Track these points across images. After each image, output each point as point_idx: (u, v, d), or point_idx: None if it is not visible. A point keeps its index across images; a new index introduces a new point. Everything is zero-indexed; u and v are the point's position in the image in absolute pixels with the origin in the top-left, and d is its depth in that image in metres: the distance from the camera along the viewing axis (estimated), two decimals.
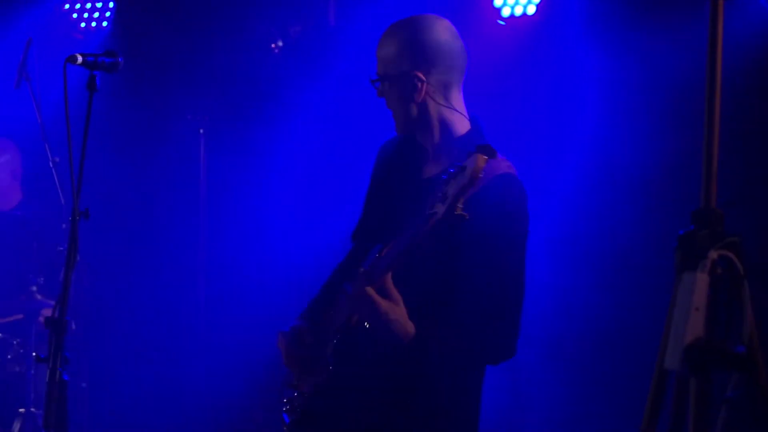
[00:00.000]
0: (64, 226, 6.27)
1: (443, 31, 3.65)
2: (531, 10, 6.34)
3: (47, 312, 6.08)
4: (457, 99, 3.68)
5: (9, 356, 6.30)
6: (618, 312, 5.93)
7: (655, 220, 5.74)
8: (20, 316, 6.26)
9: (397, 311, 3.32)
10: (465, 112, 3.69)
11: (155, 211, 7.61)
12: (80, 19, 7.78)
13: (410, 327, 3.34)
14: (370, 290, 3.29)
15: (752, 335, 2.17)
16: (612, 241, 6.01)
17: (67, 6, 7.77)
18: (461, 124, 3.65)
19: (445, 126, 3.63)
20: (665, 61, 5.77)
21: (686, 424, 2.19)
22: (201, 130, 7.02)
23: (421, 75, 3.59)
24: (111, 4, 7.76)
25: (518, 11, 6.37)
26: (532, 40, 6.39)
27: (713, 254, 2.13)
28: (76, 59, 3.58)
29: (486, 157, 3.07)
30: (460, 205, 3.09)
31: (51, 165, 5.81)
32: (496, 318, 3.39)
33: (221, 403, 6.98)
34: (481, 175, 3.06)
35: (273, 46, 7.18)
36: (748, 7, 5.47)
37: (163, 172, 7.68)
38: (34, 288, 6.20)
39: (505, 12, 6.40)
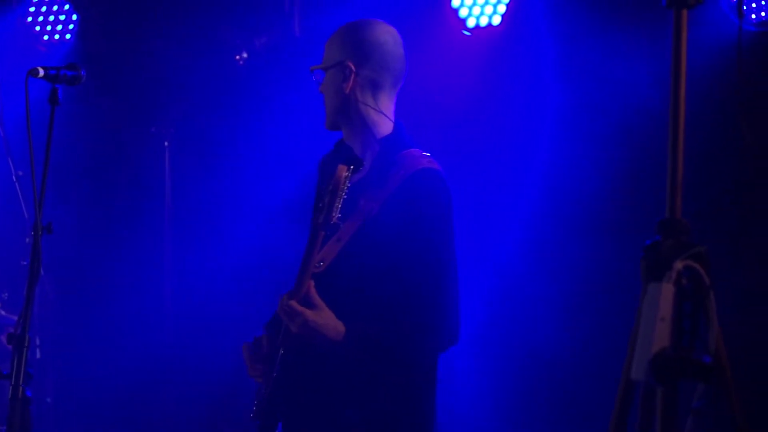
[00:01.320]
0: (27, 240, 6.21)
1: (385, 34, 3.80)
2: (496, 20, 6.34)
3: (11, 328, 6.02)
4: (386, 103, 3.79)
5: None
6: (584, 326, 5.95)
7: (622, 232, 5.75)
8: None
9: (323, 316, 3.48)
10: (391, 117, 3.79)
11: (120, 224, 7.55)
12: (43, 31, 7.72)
13: (340, 326, 3.49)
14: (293, 303, 3.47)
15: (718, 345, 2.17)
16: (576, 254, 6.02)
17: (29, 18, 7.72)
18: (384, 127, 3.75)
19: (366, 125, 3.73)
20: (630, 71, 5.80)
21: None
22: (166, 143, 6.98)
23: (351, 65, 3.73)
24: (74, 17, 7.71)
25: (483, 22, 6.37)
26: (497, 51, 6.40)
27: (678, 264, 2.13)
28: (38, 72, 3.55)
29: (346, 166, 3.33)
30: (335, 215, 3.34)
31: (14, 179, 5.76)
32: (427, 311, 3.50)
33: (189, 415, 6.94)
34: (343, 185, 3.31)
35: (237, 57, 7.15)
36: (711, 16, 5.51)
37: (128, 185, 7.63)
38: None
39: (471, 22, 6.40)
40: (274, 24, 7.08)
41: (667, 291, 2.12)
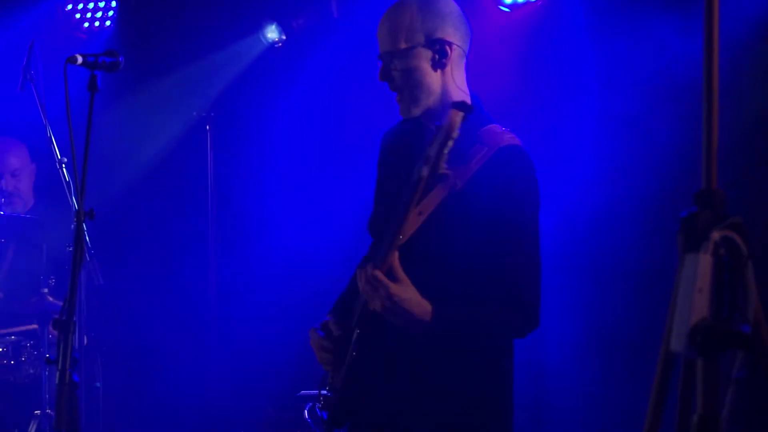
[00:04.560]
0: (72, 226, 6.26)
1: (453, 3, 3.59)
2: None
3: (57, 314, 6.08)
4: (463, 75, 3.62)
5: (23, 358, 6.32)
6: (625, 301, 5.94)
7: (660, 208, 5.73)
8: (34, 326, 6.27)
9: (408, 291, 3.26)
10: (467, 90, 3.62)
11: (164, 209, 7.62)
12: (83, 19, 7.78)
13: (425, 305, 3.28)
14: (377, 273, 3.23)
15: (758, 315, 2.16)
16: (615, 228, 6.01)
17: (69, 6, 7.77)
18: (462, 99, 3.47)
19: (449, 102, 3.39)
20: (670, 45, 5.76)
21: (694, 405, 2.18)
22: (207, 127, 7.01)
23: (449, 39, 3.51)
24: (113, 3, 7.76)
25: None
26: (535, 26, 6.38)
27: (715, 235, 2.12)
28: (77, 60, 3.57)
29: (460, 112, 3.06)
30: (443, 164, 3.09)
31: (58, 166, 5.81)
32: (515, 291, 3.35)
33: (235, 402, 6.98)
34: (457, 131, 3.04)
35: (276, 39, 7.17)
36: None
37: (170, 169, 7.68)
38: (46, 290, 6.22)
39: None
40: (312, 5, 7.08)
41: (704, 262, 2.11)
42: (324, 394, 3.64)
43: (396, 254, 3.24)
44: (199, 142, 7.06)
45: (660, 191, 5.73)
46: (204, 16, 7.49)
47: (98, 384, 6.61)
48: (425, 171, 3.10)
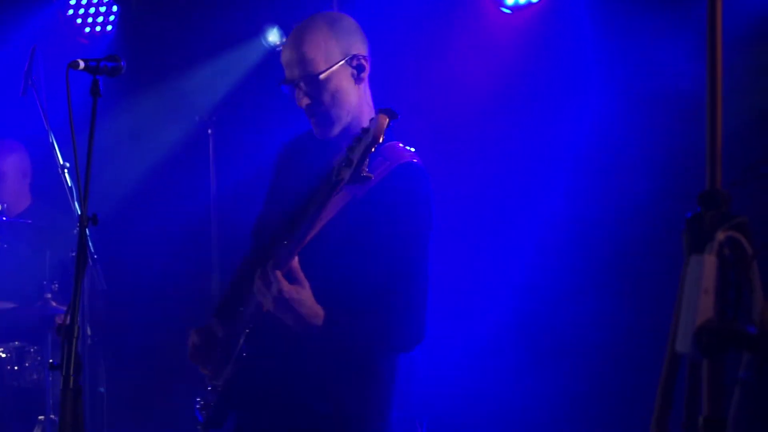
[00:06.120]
0: (75, 231, 6.26)
1: (352, 19, 3.65)
2: None
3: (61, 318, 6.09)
4: (368, 89, 3.67)
5: (27, 364, 6.33)
6: (628, 301, 5.93)
7: (662, 208, 5.72)
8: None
9: (303, 293, 3.30)
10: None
11: (166, 214, 7.61)
12: (84, 24, 7.79)
13: (318, 309, 3.33)
14: (277, 273, 3.27)
15: (764, 315, 2.15)
16: (619, 230, 6.00)
17: (71, 12, 7.77)
18: (371, 115, 3.55)
19: (358, 117, 3.59)
20: (672, 46, 5.75)
21: (700, 406, 2.18)
22: (209, 131, 7.00)
23: (363, 53, 3.58)
24: (115, 8, 7.76)
25: None
26: (537, 28, 6.37)
27: (720, 235, 2.12)
28: (78, 64, 3.56)
29: (387, 117, 3.10)
30: (365, 167, 3.13)
31: (60, 171, 5.81)
32: (400, 306, 3.40)
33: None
34: (381, 136, 3.08)
35: (278, 43, 7.16)
36: None
37: (173, 174, 7.68)
38: (49, 295, 6.22)
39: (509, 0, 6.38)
40: (313, 6, 7.07)
41: (709, 262, 2.10)
42: (203, 395, 3.70)
43: (296, 260, 3.30)
44: (202, 147, 7.06)
45: (664, 192, 5.73)
46: (205, 20, 7.49)
47: (102, 389, 6.62)
48: (346, 173, 3.14)
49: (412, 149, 3.53)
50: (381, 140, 3.10)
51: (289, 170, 3.85)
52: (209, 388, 3.67)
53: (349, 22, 3.62)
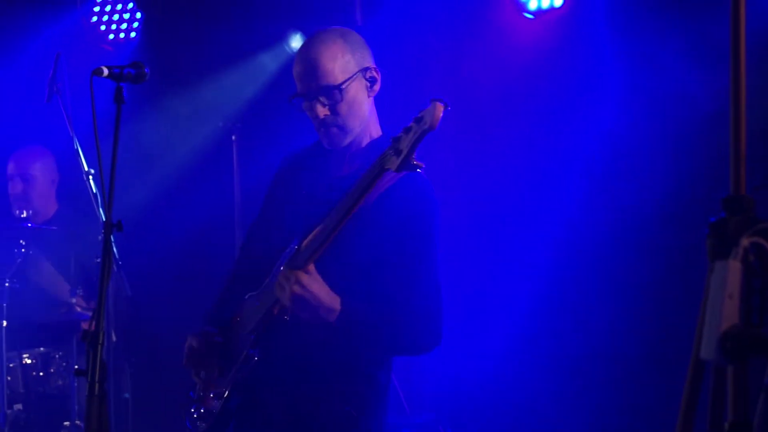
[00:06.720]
0: (100, 237, 6.28)
1: (357, 33, 3.69)
2: (558, 2, 6.32)
3: (86, 324, 6.11)
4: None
5: (52, 370, 6.34)
6: (654, 306, 5.91)
7: (683, 213, 5.71)
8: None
9: (319, 282, 3.33)
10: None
11: (191, 219, 7.63)
12: (108, 31, 7.82)
13: (335, 296, 3.36)
14: (298, 272, 3.31)
15: None
16: (640, 236, 5.98)
17: (94, 18, 7.80)
18: (376, 129, 3.69)
19: (368, 129, 3.66)
20: (694, 53, 5.73)
21: (725, 413, 2.17)
22: (233, 137, 7.02)
23: (374, 65, 3.62)
24: (138, 15, 7.79)
25: (545, 3, 6.35)
26: (559, 33, 6.37)
27: (745, 241, 2.11)
28: (102, 72, 3.57)
29: (443, 105, 3.07)
30: (413, 156, 3.11)
31: (85, 178, 5.83)
32: (405, 307, 3.43)
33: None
34: (436, 125, 3.05)
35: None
36: None
37: (197, 180, 7.70)
38: (74, 300, 6.24)
39: (532, 5, 6.38)
40: (336, 12, 7.09)
41: (734, 268, 2.09)
42: (197, 404, 3.73)
43: (312, 263, 3.34)
44: (226, 153, 7.07)
45: (685, 197, 5.71)
46: (229, 27, 7.51)
47: (127, 395, 6.64)
48: (393, 163, 3.12)
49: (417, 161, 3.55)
50: (436, 128, 3.06)
51: (288, 183, 3.88)
52: (211, 395, 3.68)
53: (358, 37, 3.67)
